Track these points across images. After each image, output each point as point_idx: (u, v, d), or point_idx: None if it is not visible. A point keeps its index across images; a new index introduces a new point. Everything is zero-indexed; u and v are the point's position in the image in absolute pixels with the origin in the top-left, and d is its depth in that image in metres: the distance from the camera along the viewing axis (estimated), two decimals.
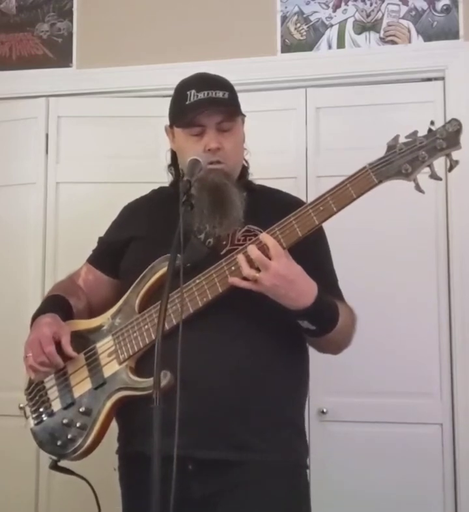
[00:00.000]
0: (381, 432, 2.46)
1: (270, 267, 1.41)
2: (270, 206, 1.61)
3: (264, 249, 1.43)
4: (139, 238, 1.66)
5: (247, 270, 1.43)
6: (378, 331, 2.44)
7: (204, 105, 1.57)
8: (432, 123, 1.46)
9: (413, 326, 2.47)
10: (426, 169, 1.46)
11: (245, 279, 1.44)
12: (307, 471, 1.63)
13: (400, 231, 2.50)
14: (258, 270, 1.43)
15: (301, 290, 1.44)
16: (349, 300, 1.66)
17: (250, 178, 1.74)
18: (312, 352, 1.68)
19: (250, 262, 1.44)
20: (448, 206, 2.49)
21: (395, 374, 2.45)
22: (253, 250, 1.43)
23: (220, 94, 1.59)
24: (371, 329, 2.36)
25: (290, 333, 1.53)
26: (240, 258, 1.45)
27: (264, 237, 1.44)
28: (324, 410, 2.49)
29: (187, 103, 1.58)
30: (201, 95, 1.58)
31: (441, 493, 2.41)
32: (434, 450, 2.43)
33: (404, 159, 1.45)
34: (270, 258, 1.42)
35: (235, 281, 1.45)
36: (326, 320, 1.50)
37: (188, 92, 1.59)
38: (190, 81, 1.64)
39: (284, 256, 1.43)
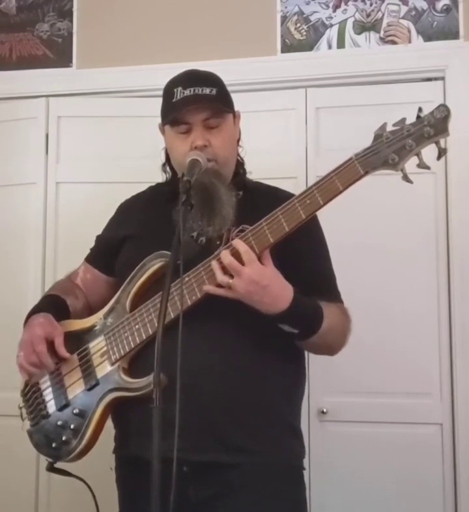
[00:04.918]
0: (381, 432, 2.46)
1: (242, 273, 1.39)
2: (265, 204, 1.56)
3: (237, 255, 1.41)
4: (134, 237, 1.65)
5: (220, 277, 1.41)
6: (378, 331, 2.44)
7: (189, 102, 1.54)
8: (420, 110, 1.41)
9: (413, 326, 2.47)
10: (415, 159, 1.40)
11: (220, 285, 1.42)
12: (304, 472, 1.61)
13: (400, 231, 2.49)
14: (232, 276, 1.41)
15: (275, 294, 1.41)
16: (349, 301, 1.65)
17: (249, 177, 1.71)
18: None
19: (224, 268, 1.41)
20: (448, 206, 2.49)
21: (395, 374, 2.45)
22: (225, 256, 1.41)
23: (207, 90, 1.56)
24: (371, 329, 2.37)
25: (284, 334, 1.50)
26: (214, 264, 1.43)
27: (236, 242, 1.42)
28: (324, 410, 2.49)
29: (173, 100, 1.56)
30: (187, 92, 1.55)
31: (441, 493, 2.41)
32: (434, 450, 2.43)
33: (390, 149, 1.40)
34: (242, 264, 1.40)
35: (209, 288, 1.43)
36: (308, 322, 1.47)
37: (175, 90, 1.56)
38: (178, 79, 1.61)
39: (256, 261, 1.40)
